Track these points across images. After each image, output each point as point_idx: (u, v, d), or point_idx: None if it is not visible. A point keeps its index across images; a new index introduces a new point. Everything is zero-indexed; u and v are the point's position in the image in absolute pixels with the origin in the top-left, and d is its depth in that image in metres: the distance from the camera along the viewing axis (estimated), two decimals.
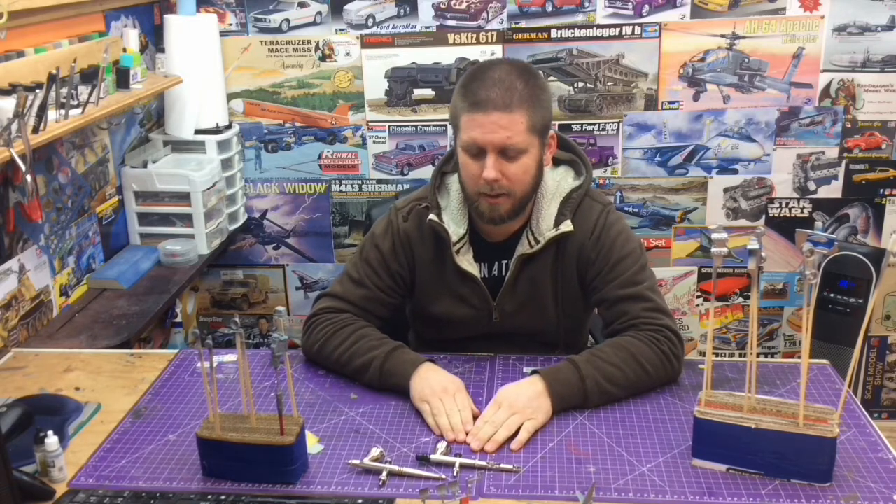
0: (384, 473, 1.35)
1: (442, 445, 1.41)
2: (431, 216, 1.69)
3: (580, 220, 1.68)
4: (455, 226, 1.70)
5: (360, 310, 1.73)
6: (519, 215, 1.66)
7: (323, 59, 2.76)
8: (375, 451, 1.39)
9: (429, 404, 1.50)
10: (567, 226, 1.66)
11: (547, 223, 1.67)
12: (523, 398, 1.47)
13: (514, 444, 1.42)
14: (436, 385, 1.52)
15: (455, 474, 1.35)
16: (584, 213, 1.69)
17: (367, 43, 2.73)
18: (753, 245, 1.26)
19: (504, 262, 1.74)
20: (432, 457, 1.38)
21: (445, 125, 2.77)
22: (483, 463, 1.37)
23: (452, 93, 1.65)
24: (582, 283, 1.72)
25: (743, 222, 2.82)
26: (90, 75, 2.00)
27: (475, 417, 1.49)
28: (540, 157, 1.63)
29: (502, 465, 1.37)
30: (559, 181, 1.71)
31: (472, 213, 1.70)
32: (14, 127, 1.65)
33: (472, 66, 1.66)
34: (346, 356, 1.64)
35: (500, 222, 1.65)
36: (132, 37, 2.36)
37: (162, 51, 2.66)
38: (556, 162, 1.76)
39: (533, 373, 1.56)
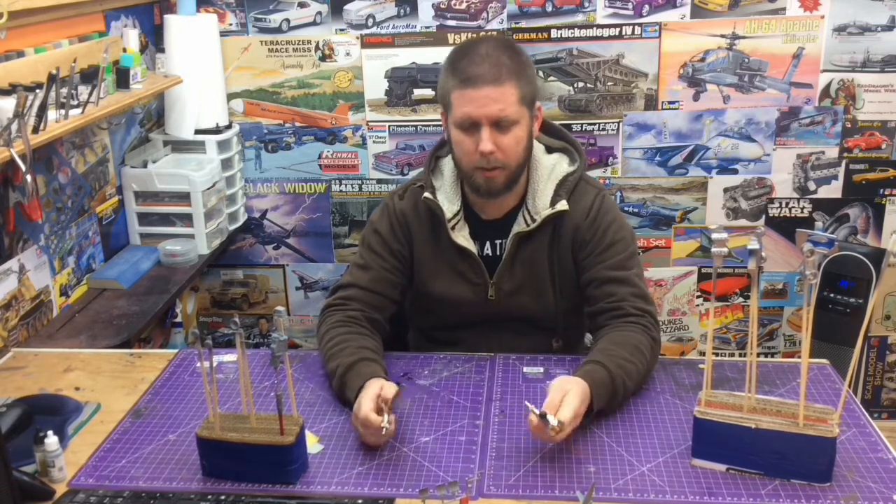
0: (385, 420, 1.36)
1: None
2: (426, 194, 1.73)
3: (576, 202, 1.72)
4: (449, 203, 1.74)
5: (369, 293, 1.75)
6: (512, 188, 1.70)
7: (323, 59, 2.76)
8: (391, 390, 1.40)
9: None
10: (563, 205, 1.69)
11: (543, 202, 1.71)
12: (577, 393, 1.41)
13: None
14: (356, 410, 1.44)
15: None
16: (580, 195, 1.73)
17: (367, 43, 2.73)
18: (753, 245, 1.26)
19: (499, 241, 1.77)
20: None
21: None
22: None
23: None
24: (576, 263, 1.75)
25: (743, 222, 2.82)
26: (90, 75, 2.00)
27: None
28: (530, 128, 1.68)
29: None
30: (554, 165, 1.75)
31: (465, 189, 1.74)
32: (14, 127, 1.65)
33: (456, 46, 1.70)
34: (326, 357, 1.65)
35: (496, 195, 1.69)
36: (132, 37, 2.36)
37: (162, 51, 2.66)
38: (549, 149, 1.80)
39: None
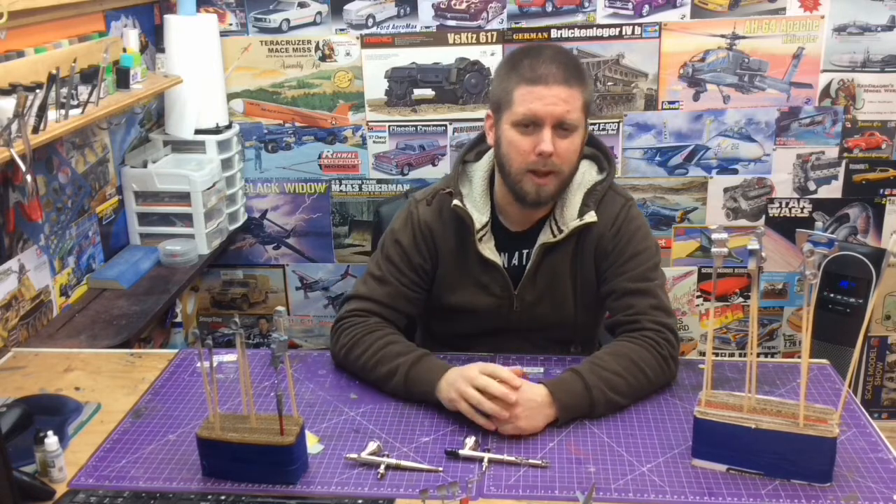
0: (382, 466, 1.35)
1: (470, 440, 1.41)
2: (455, 202, 1.68)
3: (603, 212, 1.69)
4: (478, 213, 1.70)
5: (386, 308, 1.72)
6: (555, 199, 1.67)
7: (323, 59, 2.76)
8: (373, 445, 1.39)
9: (463, 401, 1.46)
10: (591, 216, 1.66)
11: (571, 213, 1.68)
12: (529, 406, 1.46)
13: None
14: (457, 378, 1.49)
15: (484, 470, 1.35)
16: (607, 205, 1.70)
17: (367, 43, 2.73)
18: (753, 245, 1.26)
19: (525, 251, 1.74)
20: (461, 452, 1.39)
21: (445, 125, 2.77)
22: (512, 458, 1.37)
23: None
24: (598, 274, 1.73)
25: (743, 222, 2.82)
26: (90, 75, 2.00)
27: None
28: (584, 138, 1.65)
29: (531, 461, 1.37)
30: (583, 173, 1.72)
31: (495, 199, 1.71)
32: (14, 127, 1.65)
33: (514, 50, 1.67)
34: (372, 362, 1.61)
35: (543, 203, 1.65)
36: (132, 37, 2.36)
37: (162, 51, 2.66)
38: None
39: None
